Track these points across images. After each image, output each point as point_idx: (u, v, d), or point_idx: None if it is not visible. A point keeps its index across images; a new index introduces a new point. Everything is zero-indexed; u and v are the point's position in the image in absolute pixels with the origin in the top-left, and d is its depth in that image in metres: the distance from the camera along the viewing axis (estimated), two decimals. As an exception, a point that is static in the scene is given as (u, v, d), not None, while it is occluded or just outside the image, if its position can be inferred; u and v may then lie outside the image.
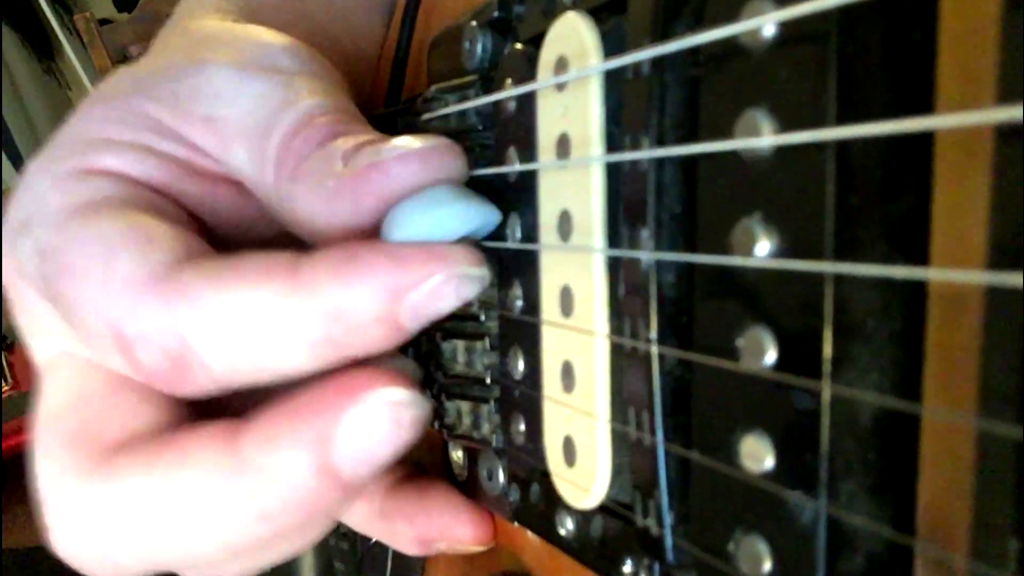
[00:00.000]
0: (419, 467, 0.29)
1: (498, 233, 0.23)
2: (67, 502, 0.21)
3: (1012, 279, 0.10)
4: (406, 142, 0.21)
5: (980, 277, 0.11)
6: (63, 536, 0.21)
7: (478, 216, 0.21)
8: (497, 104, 0.22)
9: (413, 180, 0.21)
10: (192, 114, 0.23)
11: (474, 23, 0.23)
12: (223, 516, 0.20)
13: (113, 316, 0.20)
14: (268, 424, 0.19)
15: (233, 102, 0.23)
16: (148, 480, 0.20)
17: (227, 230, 0.25)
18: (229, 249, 0.24)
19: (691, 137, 0.16)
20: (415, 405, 0.19)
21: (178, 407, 0.22)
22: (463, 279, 0.20)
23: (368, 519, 0.28)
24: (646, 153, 0.16)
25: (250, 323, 0.20)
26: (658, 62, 0.16)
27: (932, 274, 0.12)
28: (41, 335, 0.24)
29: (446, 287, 0.20)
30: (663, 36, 0.16)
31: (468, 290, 0.20)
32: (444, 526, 0.27)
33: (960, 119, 0.11)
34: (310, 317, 0.19)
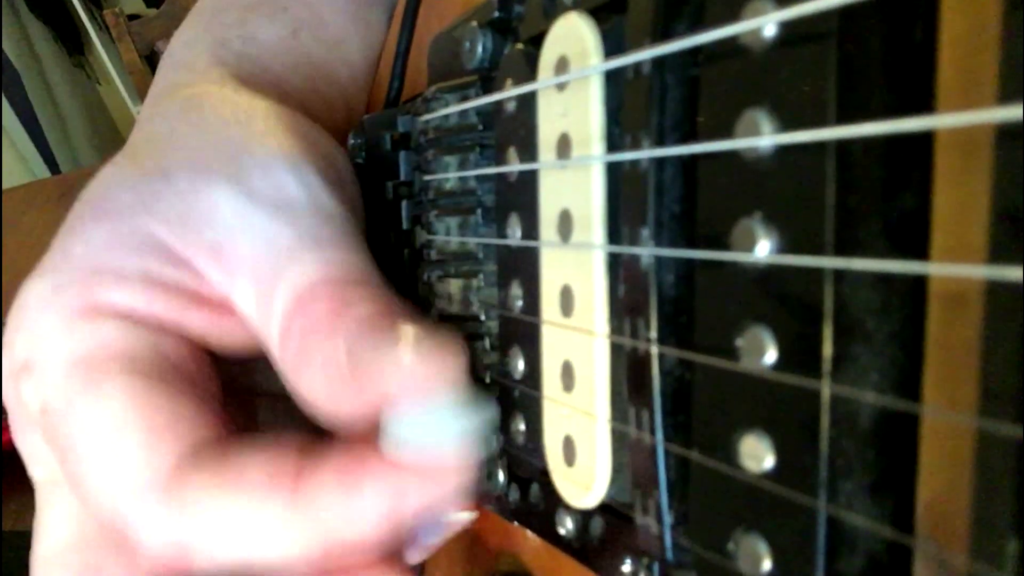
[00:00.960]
0: None
1: (498, 233, 0.23)
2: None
3: (1011, 272, 0.10)
4: (408, 348, 0.21)
5: (979, 271, 0.11)
6: None
7: (475, 420, 0.21)
8: (497, 104, 0.22)
9: (413, 387, 0.21)
10: (199, 241, 0.23)
11: (474, 23, 0.23)
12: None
13: (117, 515, 0.21)
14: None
15: (241, 236, 0.23)
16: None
17: (233, 352, 0.25)
18: (236, 363, 0.25)
19: (691, 137, 0.16)
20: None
21: None
22: (457, 485, 0.21)
23: None
24: (646, 153, 0.16)
25: (250, 534, 0.20)
26: (659, 62, 0.16)
27: (931, 268, 0.12)
28: (41, 463, 0.24)
29: (448, 499, 0.21)
30: (664, 36, 0.16)
31: (459, 490, 0.21)
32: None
33: (960, 119, 0.11)
34: (310, 533, 0.20)
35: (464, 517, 0.24)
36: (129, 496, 0.21)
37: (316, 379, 0.22)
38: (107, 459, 0.21)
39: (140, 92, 1.84)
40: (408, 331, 0.21)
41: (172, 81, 0.30)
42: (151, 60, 1.75)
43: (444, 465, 0.21)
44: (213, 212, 0.23)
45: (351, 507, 0.20)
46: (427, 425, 0.21)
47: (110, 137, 2.52)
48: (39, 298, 0.23)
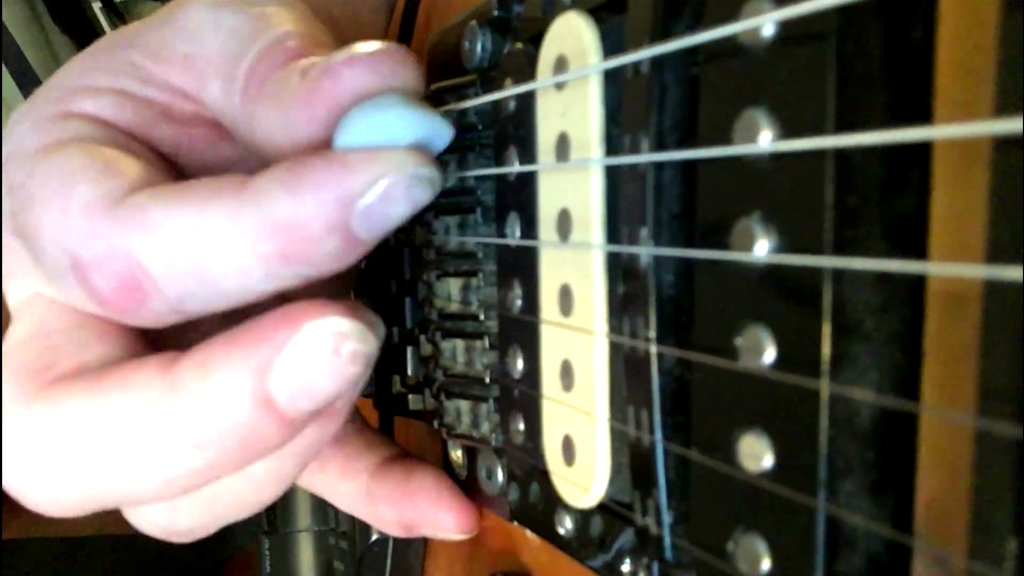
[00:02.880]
0: (405, 450, 0.29)
1: (498, 232, 0.23)
2: (12, 431, 0.21)
3: (1010, 272, 0.10)
4: (359, 47, 0.20)
5: (977, 271, 0.11)
6: (10, 469, 0.21)
7: (425, 122, 0.20)
8: (497, 103, 0.22)
9: (363, 84, 0.20)
10: (171, 56, 0.23)
11: (474, 22, 0.23)
12: (158, 444, 0.19)
13: (69, 241, 0.20)
14: (204, 350, 0.19)
15: (210, 38, 0.23)
16: (85, 405, 0.20)
17: (204, 175, 0.24)
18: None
19: (690, 137, 0.16)
20: (361, 339, 0.19)
21: (134, 345, 0.22)
22: (413, 180, 0.19)
23: (353, 499, 0.28)
24: (645, 157, 0.16)
25: (200, 240, 0.19)
26: (657, 62, 0.16)
27: (930, 268, 0.12)
28: (14, 276, 0.24)
29: (396, 190, 0.19)
30: (663, 36, 0.16)
31: (420, 193, 0.20)
32: (427, 512, 0.27)
33: (958, 131, 0.11)
34: (260, 230, 0.19)
35: None
36: (82, 218, 0.20)
37: (270, 108, 0.21)
38: (61, 195, 0.20)
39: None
40: (360, 43, 0.21)
41: None
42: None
43: (394, 160, 0.19)
44: (183, 25, 0.23)
45: (299, 197, 0.19)
46: (373, 126, 0.20)
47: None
48: (18, 114, 0.23)
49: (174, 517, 0.23)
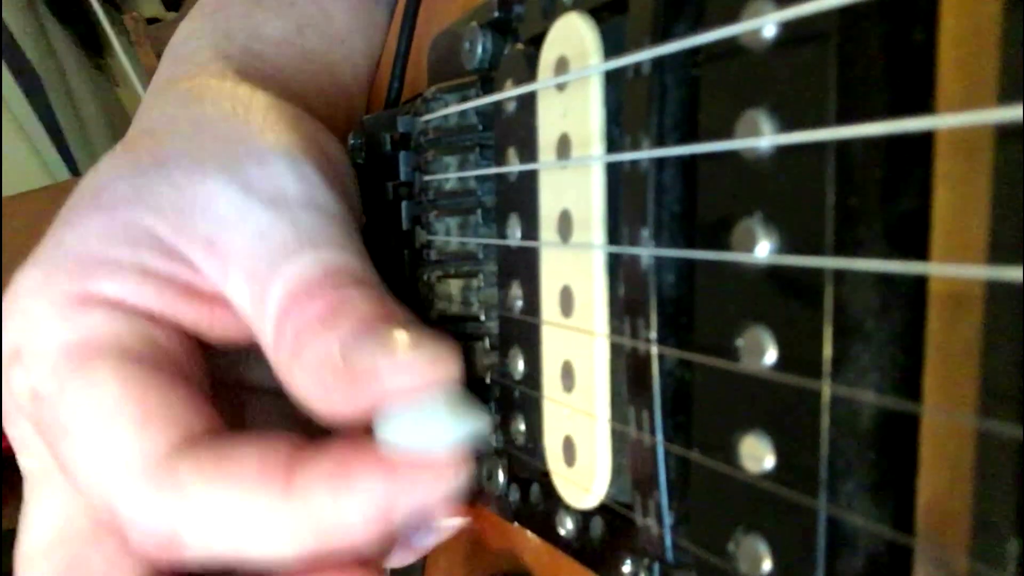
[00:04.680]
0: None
1: (498, 233, 0.23)
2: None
3: (1011, 273, 0.10)
4: (404, 350, 0.21)
5: (979, 272, 0.11)
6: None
7: (468, 424, 0.21)
8: (497, 104, 0.22)
9: (408, 389, 0.21)
10: (193, 233, 0.23)
11: (474, 23, 0.23)
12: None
13: (109, 499, 0.21)
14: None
15: (236, 230, 0.23)
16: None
17: (225, 343, 0.25)
18: (227, 355, 0.25)
19: (691, 137, 0.16)
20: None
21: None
22: (449, 485, 0.21)
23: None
24: (646, 153, 0.16)
25: (241, 524, 0.20)
26: (658, 62, 0.16)
27: (931, 269, 0.12)
28: (30, 452, 0.24)
29: (433, 495, 0.21)
30: (663, 36, 0.16)
31: (453, 491, 0.21)
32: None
33: (960, 119, 0.11)
34: (301, 527, 0.20)
35: (455, 523, 0.24)
36: (121, 480, 0.20)
37: (310, 378, 0.21)
38: (99, 442, 0.20)
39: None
40: (403, 333, 0.21)
41: (173, 73, 0.30)
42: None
43: (436, 468, 0.20)
44: (208, 204, 0.23)
45: (342, 503, 0.20)
46: (417, 427, 0.21)
47: (129, 138, 2.52)
48: (31, 286, 0.22)
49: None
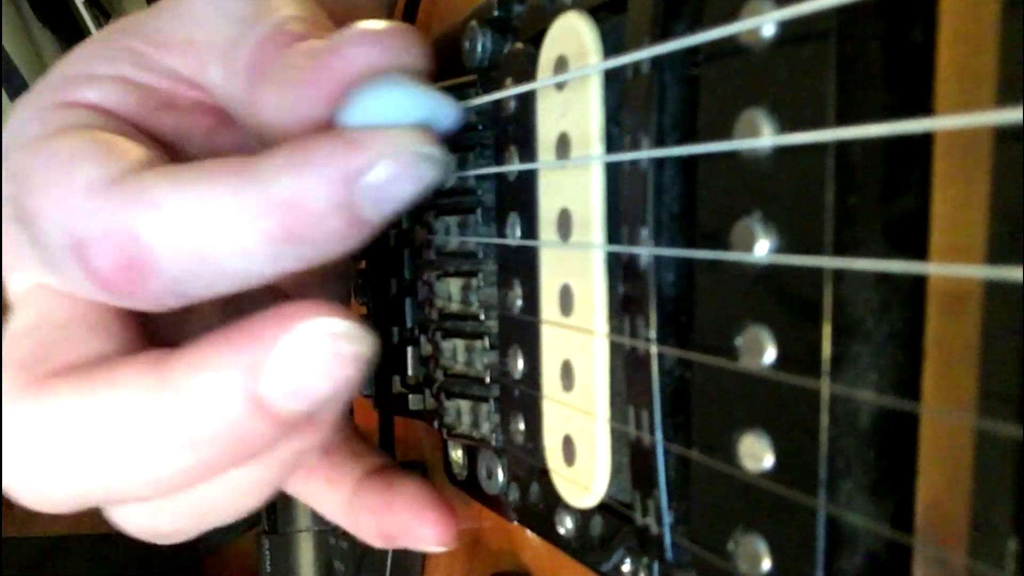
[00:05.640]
0: (392, 460, 0.29)
1: (498, 232, 0.23)
2: (5, 425, 0.20)
3: (1010, 272, 0.10)
4: (364, 25, 0.20)
5: (978, 271, 0.11)
6: (3, 461, 0.21)
7: (430, 101, 0.20)
8: (497, 103, 0.22)
9: (369, 62, 0.20)
10: (172, 41, 0.23)
11: (474, 22, 0.23)
12: (148, 441, 0.19)
13: (70, 221, 0.20)
14: (196, 347, 0.19)
15: (211, 23, 0.23)
16: (76, 400, 0.20)
17: (200, 151, 0.24)
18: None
19: (690, 136, 0.16)
20: (357, 340, 0.19)
21: (132, 342, 0.22)
22: (419, 159, 0.19)
23: (335, 507, 0.28)
24: (646, 153, 0.16)
25: (203, 218, 0.19)
26: (658, 61, 0.16)
27: (930, 268, 0.12)
28: (15, 267, 0.23)
29: (402, 168, 0.19)
30: (663, 35, 0.16)
31: (425, 171, 0.19)
32: (406, 523, 0.26)
33: (958, 121, 0.11)
34: (264, 207, 0.19)
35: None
36: (83, 198, 0.20)
37: (276, 93, 0.21)
38: (64, 177, 0.20)
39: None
40: (366, 22, 0.20)
41: None
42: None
43: (396, 137, 0.19)
44: (186, 13, 0.23)
45: (304, 177, 0.19)
46: (377, 104, 0.20)
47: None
48: (20, 103, 0.23)
49: (156, 519, 0.23)
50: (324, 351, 0.18)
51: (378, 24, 0.21)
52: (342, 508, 0.27)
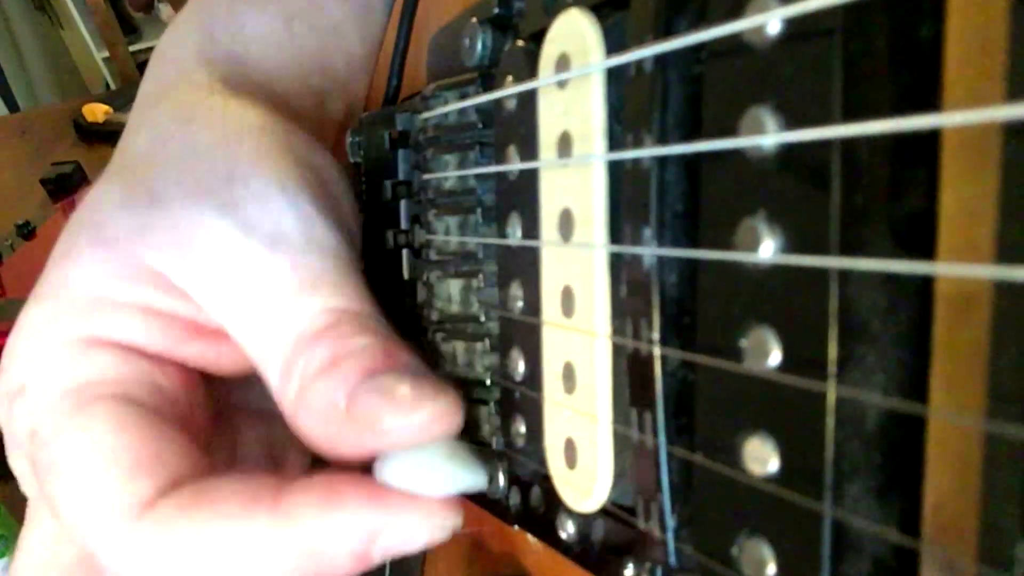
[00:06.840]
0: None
1: (498, 232, 0.22)
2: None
3: (1019, 273, 0.10)
4: (408, 401, 0.21)
5: (986, 271, 0.11)
6: None
7: (466, 481, 0.22)
8: (498, 102, 0.22)
9: (409, 438, 0.21)
10: (194, 271, 0.23)
11: (474, 20, 0.23)
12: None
13: (92, 542, 0.21)
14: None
15: (237, 269, 0.23)
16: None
17: (229, 372, 0.25)
18: (233, 387, 0.25)
19: (694, 135, 0.16)
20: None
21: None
22: (436, 529, 0.21)
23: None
24: (648, 151, 0.16)
25: (225, 559, 0.20)
26: (661, 59, 0.16)
27: (938, 269, 0.12)
28: (29, 481, 0.24)
29: (423, 535, 0.21)
30: (666, 33, 0.16)
31: (438, 536, 0.21)
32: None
33: (967, 117, 0.11)
34: (287, 552, 0.20)
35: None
36: (104, 524, 0.20)
37: (315, 422, 0.22)
38: (86, 487, 0.21)
39: (103, 35, 1.84)
40: (406, 386, 0.21)
41: (158, 84, 0.30)
42: (114, 2, 1.78)
43: (426, 507, 0.21)
44: (208, 243, 0.23)
45: (329, 525, 0.20)
46: (414, 473, 0.21)
47: (70, 80, 2.56)
48: (36, 325, 0.23)
49: None
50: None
51: (418, 391, 0.21)
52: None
